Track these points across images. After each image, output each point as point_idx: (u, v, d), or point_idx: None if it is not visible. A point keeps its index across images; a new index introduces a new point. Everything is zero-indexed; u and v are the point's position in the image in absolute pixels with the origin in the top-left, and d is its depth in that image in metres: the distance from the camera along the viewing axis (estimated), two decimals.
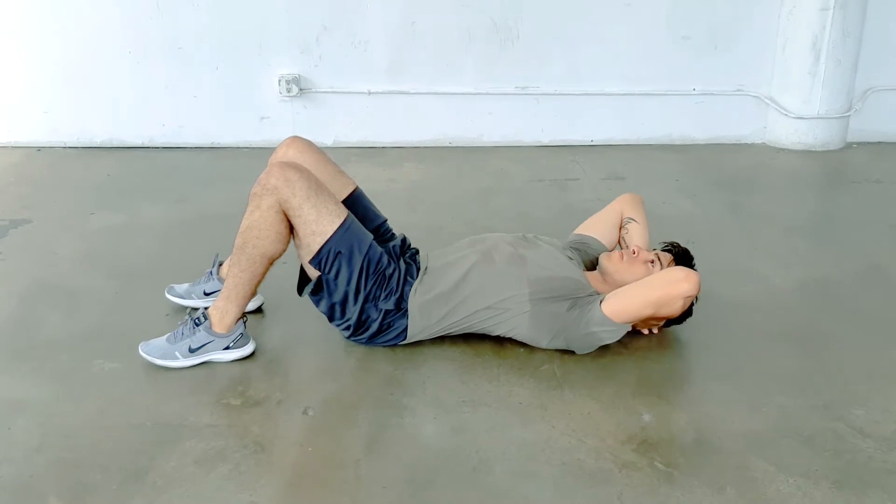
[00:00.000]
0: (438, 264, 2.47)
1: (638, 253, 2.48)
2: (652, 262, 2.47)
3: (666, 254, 2.54)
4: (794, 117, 4.93)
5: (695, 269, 2.43)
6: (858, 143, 5.09)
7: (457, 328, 2.44)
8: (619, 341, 2.47)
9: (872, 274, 3.10)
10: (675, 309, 2.33)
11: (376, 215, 2.64)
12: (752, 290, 2.94)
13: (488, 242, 2.53)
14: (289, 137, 2.65)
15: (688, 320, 2.51)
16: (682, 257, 2.53)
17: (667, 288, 2.31)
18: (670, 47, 4.91)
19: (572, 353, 2.42)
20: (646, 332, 2.55)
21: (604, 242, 2.74)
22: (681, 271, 2.33)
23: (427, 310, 2.40)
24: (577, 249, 2.67)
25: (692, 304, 2.45)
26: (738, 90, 5.03)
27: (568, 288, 2.40)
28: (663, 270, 2.41)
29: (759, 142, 5.13)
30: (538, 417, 2.14)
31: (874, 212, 3.86)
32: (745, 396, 2.25)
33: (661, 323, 2.51)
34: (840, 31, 4.71)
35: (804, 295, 2.93)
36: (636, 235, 2.68)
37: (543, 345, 2.43)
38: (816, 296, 2.92)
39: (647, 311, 2.34)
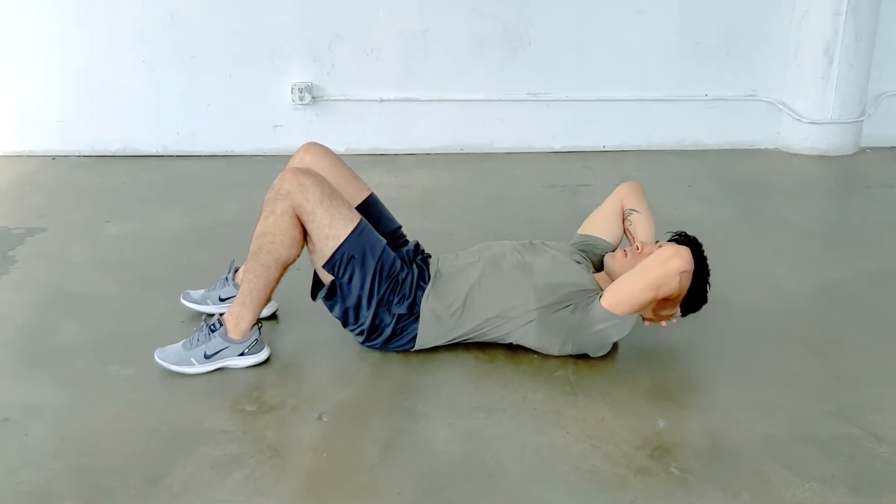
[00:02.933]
0: (449, 271, 2.46)
1: (642, 248, 2.43)
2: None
3: (670, 244, 2.44)
4: (807, 122, 4.92)
5: (705, 259, 2.39)
6: (872, 148, 5.06)
7: (467, 337, 2.44)
8: (632, 345, 2.48)
9: (888, 278, 3.08)
10: (673, 287, 2.23)
11: (391, 221, 2.65)
12: (767, 294, 2.93)
13: (494, 250, 2.52)
14: (306, 143, 2.66)
15: (702, 322, 2.50)
16: (686, 244, 2.44)
17: (658, 268, 2.23)
18: (682, 53, 4.90)
19: (586, 358, 2.42)
20: (664, 324, 2.47)
21: (608, 239, 2.68)
22: (670, 248, 2.26)
23: (438, 318, 2.40)
24: (583, 251, 2.65)
25: (705, 289, 2.41)
26: (751, 95, 5.02)
27: (574, 293, 2.37)
28: (654, 252, 2.33)
29: (772, 147, 5.11)
30: (552, 423, 2.14)
31: (888, 216, 3.84)
32: (759, 401, 2.24)
33: (676, 311, 2.43)
34: (853, 35, 4.69)
35: (819, 299, 2.92)
36: (640, 226, 2.60)
37: (555, 352, 2.42)
38: (831, 300, 2.91)
39: (645, 296, 2.26)
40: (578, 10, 4.79)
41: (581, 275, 2.44)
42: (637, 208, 2.64)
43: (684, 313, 2.47)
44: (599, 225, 2.73)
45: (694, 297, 2.40)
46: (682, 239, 2.48)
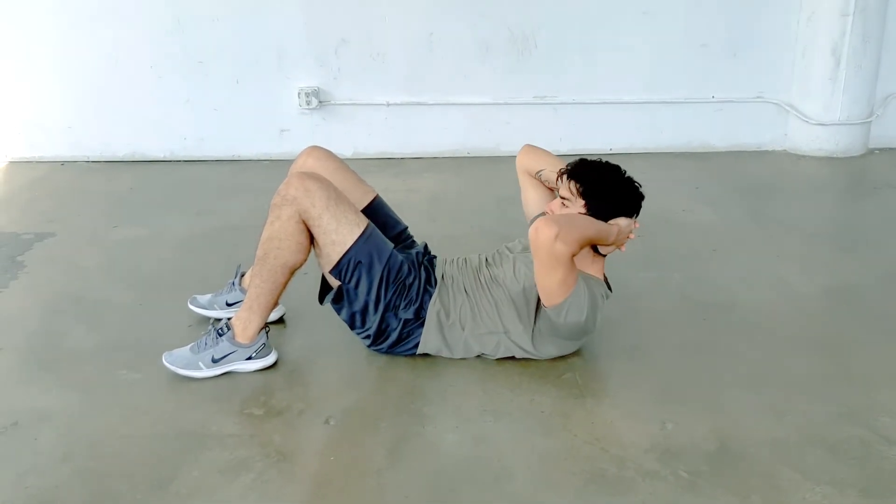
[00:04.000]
0: (451, 281, 2.45)
1: (552, 211, 2.36)
2: (563, 204, 2.34)
3: (565, 184, 2.35)
4: (814, 124, 4.90)
5: (598, 164, 2.32)
6: (880, 150, 5.05)
7: (473, 355, 2.44)
8: (640, 348, 2.47)
9: None
10: (563, 250, 2.09)
11: (397, 222, 2.65)
12: (775, 296, 2.92)
13: (472, 264, 2.51)
14: (308, 147, 2.66)
15: (703, 322, 2.49)
16: (573, 174, 2.34)
17: (539, 250, 2.12)
18: (689, 55, 4.90)
19: (594, 361, 2.42)
20: (632, 237, 2.36)
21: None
22: (532, 229, 2.14)
23: (440, 327, 2.40)
24: None
25: (623, 185, 2.32)
26: (758, 97, 5.01)
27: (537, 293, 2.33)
28: (529, 238, 2.20)
29: (780, 149, 5.10)
30: (560, 426, 2.13)
31: None
32: (769, 404, 2.23)
33: (613, 234, 2.28)
34: (860, 36, 4.68)
35: (828, 301, 2.90)
36: (554, 179, 2.47)
37: (557, 353, 2.42)
38: (840, 302, 2.89)
39: (556, 276, 2.17)
40: (584, 12, 4.79)
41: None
42: (541, 166, 2.60)
43: (633, 214, 2.35)
44: (532, 205, 2.68)
45: (619, 201, 2.31)
46: (568, 171, 2.36)
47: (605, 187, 2.31)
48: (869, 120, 4.94)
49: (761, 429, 2.11)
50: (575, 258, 2.20)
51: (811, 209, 4.01)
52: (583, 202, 2.29)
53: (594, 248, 2.35)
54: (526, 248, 2.48)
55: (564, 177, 2.35)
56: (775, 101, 5.00)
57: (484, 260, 2.52)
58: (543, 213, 2.43)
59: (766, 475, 1.93)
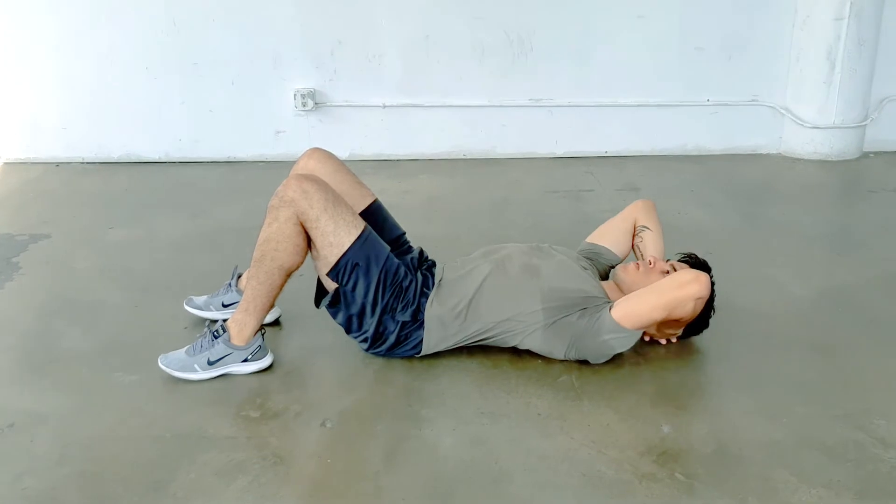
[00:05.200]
0: (453, 276, 2.46)
1: (654, 264, 2.47)
2: (667, 272, 2.45)
3: (682, 264, 2.52)
4: (809, 127, 4.92)
5: (713, 285, 2.40)
6: (875, 153, 5.07)
7: (472, 340, 2.44)
8: (637, 351, 2.47)
9: (891, 283, 3.08)
10: (686, 311, 2.30)
11: (394, 227, 2.65)
12: (771, 299, 2.93)
13: (502, 253, 2.52)
14: (309, 149, 2.67)
15: (705, 331, 2.50)
16: (698, 267, 2.50)
17: (676, 290, 2.28)
18: (684, 58, 4.91)
19: (590, 363, 2.41)
20: (663, 342, 2.53)
21: (616, 252, 2.71)
22: (689, 273, 2.31)
23: (442, 322, 2.40)
24: (589, 259, 2.66)
25: (710, 315, 2.44)
26: (753, 100, 5.02)
27: (581, 299, 2.38)
28: (673, 273, 2.38)
29: (775, 152, 5.11)
30: (557, 429, 2.13)
31: (892, 220, 3.84)
32: (765, 406, 2.23)
33: (679, 332, 2.50)
34: (855, 40, 4.69)
35: (823, 304, 2.91)
36: (650, 244, 2.64)
37: (559, 356, 2.42)
38: (835, 305, 2.90)
39: (657, 315, 2.31)
40: (580, 15, 4.80)
41: (588, 281, 2.45)
42: (649, 226, 2.68)
43: (685, 336, 2.53)
44: (609, 236, 2.75)
45: (699, 321, 2.45)
46: (692, 261, 2.52)
47: (707, 302, 2.39)
48: (864, 123, 4.96)
49: (757, 431, 2.12)
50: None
51: (806, 212, 4.02)
52: None
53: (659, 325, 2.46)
54: (570, 256, 2.55)
55: (688, 262, 2.51)
56: (770, 105, 5.02)
57: (519, 248, 2.54)
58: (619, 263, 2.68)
59: (762, 477, 1.94)
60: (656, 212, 2.75)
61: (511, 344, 2.44)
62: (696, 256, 2.56)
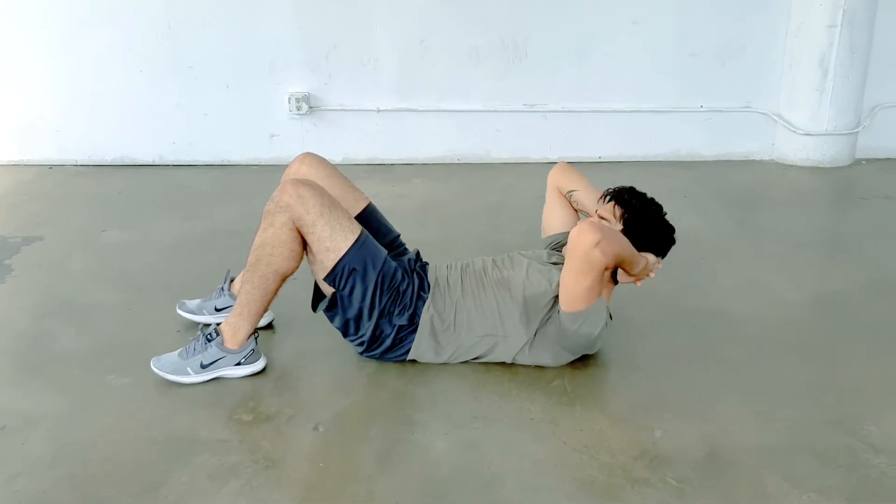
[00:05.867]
0: (444, 285, 2.46)
1: (597, 216, 2.42)
2: (602, 218, 2.39)
3: (607, 205, 2.42)
4: (802, 134, 4.94)
5: (644, 197, 2.37)
6: (867, 160, 5.09)
7: (461, 359, 2.44)
8: (629, 355, 2.48)
9: (883, 289, 3.09)
10: (598, 260, 2.12)
11: (389, 230, 2.65)
12: (763, 305, 2.94)
13: (477, 266, 2.52)
14: (302, 153, 2.66)
15: (696, 334, 2.51)
16: (617, 196, 2.42)
17: (575, 252, 2.15)
18: (678, 64, 4.93)
19: (583, 368, 2.42)
20: (652, 275, 2.41)
21: (569, 229, 2.57)
22: (575, 230, 2.18)
23: (433, 331, 2.41)
24: (557, 251, 2.62)
25: (663, 223, 2.40)
26: (746, 107, 5.04)
27: (553, 299, 2.35)
28: (569, 238, 2.25)
29: (768, 158, 5.13)
30: (550, 433, 2.14)
31: (884, 227, 3.86)
32: (757, 411, 2.24)
33: (642, 263, 2.33)
34: (847, 48, 4.72)
35: (815, 310, 2.93)
36: (585, 201, 2.58)
37: (550, 363, 2.43)
38: (828, 311, 2.92)
39: (585, 282, 2.18)
40: (575, 21, 4.81)
41: (555, 278, 2.37)
42: (574, 186, 2.63)
43: (662, 255, 2.43)
44: (554, 220, 2.72)
45: (656, 237, 2.37)
46: (614, 194, 2.43)
47: (646, 219, 2.37)
48: (856, 130, 4.98)
49: (749, 436, 2.13)
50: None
51: (799, 218, 4.04)
52: (621, 227, 2.35)
53: (613, 275, 2.38)
54: (539, 258, 2.50)
55: (608, 198, 2.41)
56: (763, 111, 5.04)
57: (491, 262, 2.52)
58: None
59: (754, 482, 1.94)
60: (573, 169, 2.69)
61: (501, 360, 2.43)
62: (617, 188, 2.45)
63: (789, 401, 2.30)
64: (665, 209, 2.46)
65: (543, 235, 2.77)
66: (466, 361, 2.46)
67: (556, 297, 2.34)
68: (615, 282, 2.42)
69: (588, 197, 2.60)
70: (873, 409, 2.25)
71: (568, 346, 2.37)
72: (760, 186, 4.62)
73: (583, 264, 2.16)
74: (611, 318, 2.46)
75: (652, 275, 2.41)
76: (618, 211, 2.39)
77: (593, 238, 2.10)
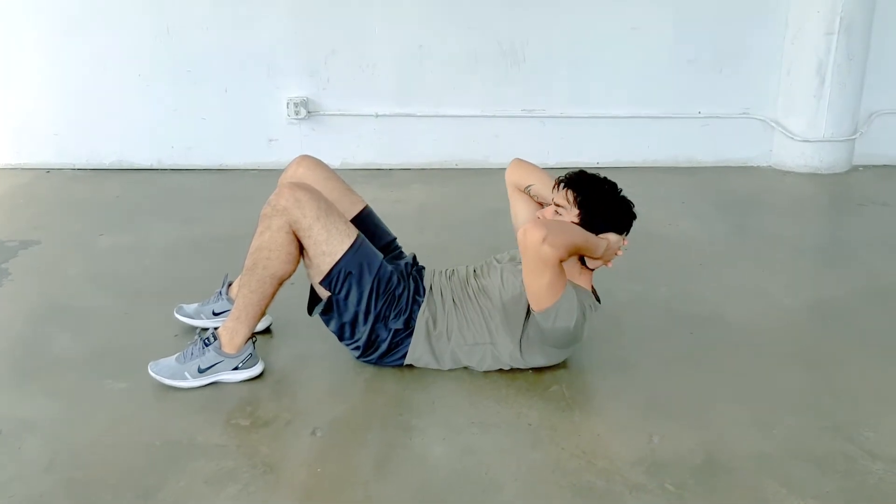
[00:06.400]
0: (439, 291, 2.45)
1: (544, 217, 2.39)
2: (556, 212, 2.36)
3: (561, 193, 2.38)
4: (799, 140, 4.95)
5: (595, 178, 2.34)
6: (864, 166, 5.10)
7: (461, 366, 2.44)
8: (627, 361, 2.48)
9: (881, 295, 3.10)
10: (550, 254, 2.11)
11: (386, 233, 2.65)
12: (761, 311, 2.94)
13: (461, 276, 2.52)
14: (298, 156, 2.66)
15: (690, 336, 2.50)
16: (570, 182, 2.37)
17: (528, 252, 2.14)
18: (676, 70, 4.94)
19: (581, 374, 2.42)
20: (620, 253, 2.38)
21: None
22: (520, 232, 2.16)
23: (428, 337, 2.40)
24: None
25: (617, 201, 2.35)
26: (744, 113, 5.05)
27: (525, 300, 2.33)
28: (518, 240, 2.23)
29: (765, 164, 5.14)
30: (547, 439, 2.13)
31: (881, 233, 3.86)
32: (754, 417, 2.24)
33: (602, 246, 2.31)
34: (844, 55, 4.74)
35: (813, 316, 2.93)
36: (544, 193, 2.53)
37: (544, 363, 2.43)
38: (825, 317, 2.92)
39: (545, 277, 2.17)
40: (573, 27, 4.83)
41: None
42: (530, 181, 2.61)
43: (624, 231, 2.38)
44: (520, 218, 2.67)
45: (612, 215, 2.34)
46: (566, 180, 2.39)
47: (600, 200, 2.33)
48: (853, 137, 4.99)
49: (747, 442, 2.13)
50: (563, 267, 2.22)
51: (796, 224, 4.04)
52: (577, 212, 2.31)
53: (581, 261, 2.36)
54: (513, 259, 2.50)
55: (561, 185, 2.37)
56: (761, 118, 5.05)
57: (472, 271, 2.53)
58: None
59: (751, 488, 1.94)
60: (525, 163, 2.68)
61: (497, 367, 2.43)
62: (567, 174, 2.41)
63: (787, 407, 2.30)
64: (620, 187, 2.39)
65: (515, 233, 2.72)
66: (466, 367, 2.45)
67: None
68: (589, 268, 2.39)
69: (545, 189, 2.54)
70: (870, 416, 2.25)
71: (552, 343, 2.36)
72: (758, 192, 4.62)
73: (536, 262, 2.15)
74: (598, 301, 2.44)
75: (620, 253, 2.38)
76: (570, 196, 2.34)
77: (539, 234, 2.10)
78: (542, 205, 2.59)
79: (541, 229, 2.11)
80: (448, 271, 2.55)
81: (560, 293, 2.23)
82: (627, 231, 2.39)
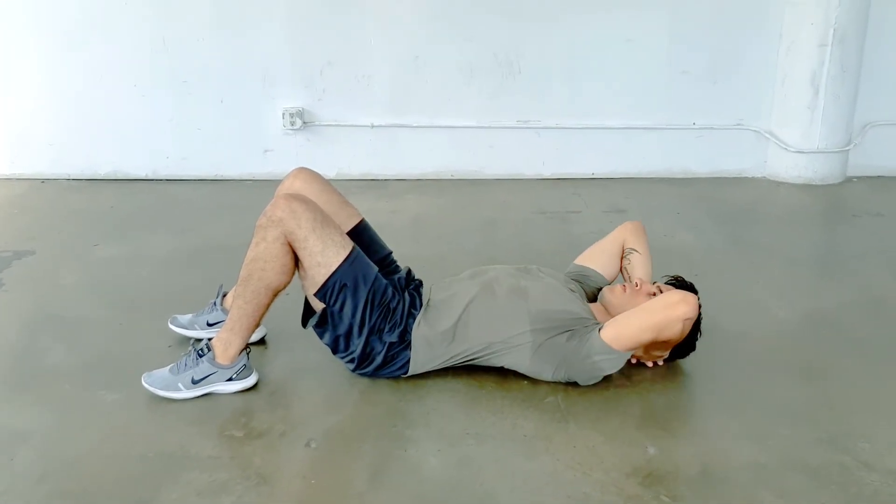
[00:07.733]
0: (441, 297, 2.46)
1: (641, 286, 2.48)
2: (653, 294, 2.45)
3: (668, 286, 2.53)
4: (793, 151, 4.96)
5: (698, 301, 2.41)
6: (858, 178, 5.12)
7: (459, 360, 2.44)
8: (623, 373, 2.47)
9: (875, 306, 3.10)
10: (674, 332, 2.30)
11: (381, 247, 2.65)
12: (756, 322, 2.94)
13: (490, 274, 2.52)
14: (295, 168, 2.66)
15: (691, 354, 2.51)
16: (684, 289, 2.50)
17: (664, 311, 2.28)
18: (671, 82, 4.96)
19: (576, 385, 2.41)
20: (650, 364, 2.54)
21: (604, 274, 2.72)
22: (677, 294, 2.32)
23: (430, 343, 2.39)
24: (577, 281, 2.66)
25: (696, 338, 2.45)
26: (738, 124, 5.07)
27: (569, 321, 2.39)
28: (661, 294, 2.40)
29: (760, 175, 5.15)
30: (543, 450, 2.13)
31: (876, 244, 3.87)
32: (750, 429, 2.24)
33: (665, 355, 2.50)
34: (838, 66, 4.76)
35: (807, 327, 2.93)
36: (638, 266, 2.65)
37: (547, 377, 2.41)
38: (820, 328, 2.92)
39: (646, 336, 2.31)
40: (568, 38, 4.84)
41: (576, 303, 2.45)
42: (637, 248, 2.69)
43: (671, 358, 2.53)
44: (597, 258, 2.75)
45: (686, 344, 2.46)
46: (678, 283, 2.53)
47: (696, 326, 2.43)
48: (847, 148, 5.01)
49: (743, 453, 2.12)
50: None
51: (791, 235, 4.05)
52: None
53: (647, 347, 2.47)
54: (556, 278, 2.56)
55: (672, 285, 2.53)
56: (755, 129, 5.06)
57: (509, 271, 2.54)
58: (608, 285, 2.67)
59: (747, 500, 1.94)
60: (645, 234, 2.75)
61: (499, 364, 2.43)
62: (682, 279, 2.57)
63: (782, 418, 2.30)
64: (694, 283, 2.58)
65: (577, 261, 2.79)
66: (460, 376, 2.45)
67: (574, 319, 2.39)
68: (636, 354, 2.52)
69: (641, 264, 2.65)
70: (866, 427, 2.25)
71: (574, 367, 2.36)
72: (752, 203, 4.63)
73: (662, 324, 2.28)
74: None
75: (650, 364, 2.55)
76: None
77: (689, 312, 2.27)
78: (622, 268, 2.71)
79: (692, 311, 2.28)
80: (471, 272, 2.58)
81: (629, 350, 2.35)
82: (680, 357, 2.55)
